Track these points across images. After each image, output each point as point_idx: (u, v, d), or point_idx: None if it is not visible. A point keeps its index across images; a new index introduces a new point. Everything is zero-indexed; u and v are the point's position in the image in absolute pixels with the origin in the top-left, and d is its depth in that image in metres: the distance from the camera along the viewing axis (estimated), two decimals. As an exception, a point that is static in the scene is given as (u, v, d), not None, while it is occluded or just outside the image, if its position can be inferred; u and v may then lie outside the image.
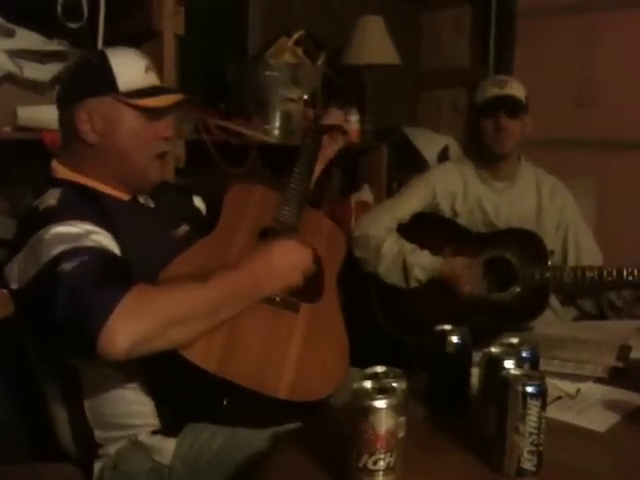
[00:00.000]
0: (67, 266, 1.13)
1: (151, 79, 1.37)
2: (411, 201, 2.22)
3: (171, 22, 2.02)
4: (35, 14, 1.78)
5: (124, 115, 1.32)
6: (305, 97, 1.88)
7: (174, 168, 2.07)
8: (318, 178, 1.77)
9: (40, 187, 1.29)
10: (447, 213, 2.22)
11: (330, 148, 1.77)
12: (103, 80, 1.30)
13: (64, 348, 1.25)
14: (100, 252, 1.18)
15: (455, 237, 2.18)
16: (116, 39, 1.67)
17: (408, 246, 2.14)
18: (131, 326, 1.11)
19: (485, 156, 2.19)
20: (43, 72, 1.79)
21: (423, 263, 2.11)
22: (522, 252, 2.08)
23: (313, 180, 1.71)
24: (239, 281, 1.27)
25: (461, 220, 2.20)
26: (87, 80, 1.33)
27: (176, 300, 1.18)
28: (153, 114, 1.35)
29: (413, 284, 2.13)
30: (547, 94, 2.17)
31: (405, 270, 2.12)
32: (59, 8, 1.76)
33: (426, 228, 2.22)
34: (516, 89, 2.13)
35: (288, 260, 1.35)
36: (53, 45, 1.84)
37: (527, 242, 2.11)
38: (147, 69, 1.36)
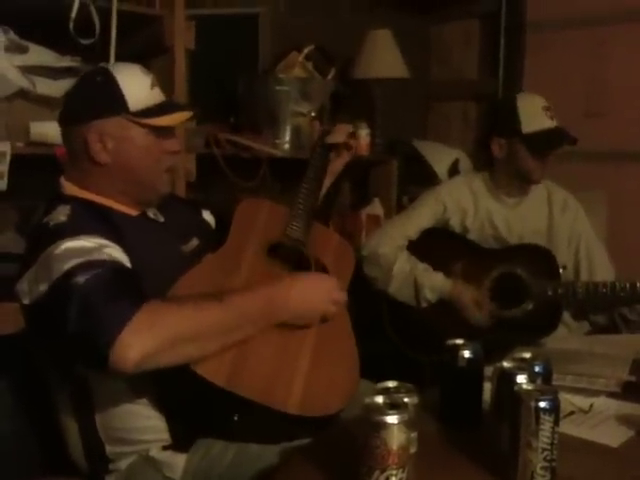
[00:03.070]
0: (80, 279, 1.14)
1: (157, 95, 1.37)
2: (421, 217, 2.20)
3: (182, 37, 2.05)
4: (48, 30, 1.80)
5: (135, 134, 1.33)
6: (313, 114, 1.89)
7: (185, 182, 2.08)
8: (326, 193, 1.77)
9: (48, 204, 1.30)
10: (457, 229, 2.20)
11: (336, 163, 1.78)
12: (113, 101, 1.31)
13: (75, 361, 1.25)
14: (113, 265, 1.19)
15: (465, 253, 2.15)
16: (128, 54, 1.69)
17: (420, 266, 2.12)
18: (142, 340, 1.11)
19: (514, 181, 2.15)
20: (56, 88, 1.81)
21: (434, 285, 2.09)
22: (534, 268, 2.06)
23: (321, 195, 1.71)
24: (253, 305, 1.26)
25: (471, 236, 2.18)
26: (96, 101, 1.32)
27: (188, 317, 1.18)
28: (163, 132, 1.36)
29: (423, 304, 2.11)
30: (557, 106, 2.15)
31: (416, 290, 2.11)
32: (71, 24, 1.78)
33: (436, 244, 2.20)
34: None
35: (308, 296, 1.33)
36: (65, 61, 1.87)
37: (538, 257, 2.08)
38: (152, 85, 1.36)
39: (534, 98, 2.12)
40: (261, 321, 1.27)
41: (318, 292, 1.35)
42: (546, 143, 2.06)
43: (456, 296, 2.08)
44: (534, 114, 2.07)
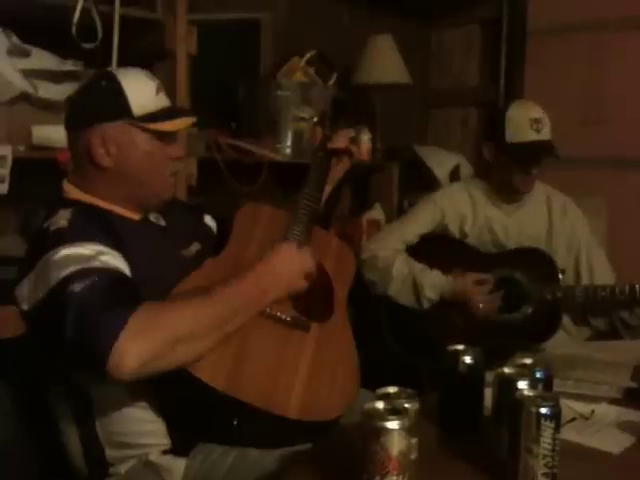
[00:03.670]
0: (76, 287, 1.14)
1: (162, 101, 1.37)
2: (419, 223, 2.21)
3: (184, 42, 2.05)
4: (50, 35, 1.80)
5: (138, 139, 1.33)
6: (315, 119, 1.90)
7: (186, 186, 2.08)
8: (328, 198, 1.77)
9: (50, 208, 1.30)
10: (456, 234, 2.20)
11: (338, 169, 1.78)
12: (117, 105, 1.31)
13: (73, 368, 1.25)
14: (109, 273, 1.19)
15: (464, 258, 2.15)
16: (130, 59, 1.69)
17: (418, 266, 2.12)
18: (139, 346, 1.11)
19: (504, 188, 2.15)
20: (58, 92, 1.81)
21: (434, 282, 2.09)
22: (533, 272, 2.07)
23: (322, 200, 1.72)
24: (242, 291, 1.27)
25: (470, 241, 2.18)
26: (100, 105, 1.32)
27: (183, 317, 1.18)
28: (167, 137, 1.36)
29: (425, 304, 2.10)
30: (558, 112, 2.15)
31: (416, 290, 2.11)
32: (73, 29, 1.78)
33: (435, 249, 2.20)
34: (549, 129, 2.07)
35: (289, 265, 1.36)
36: (68, 65, 1.87)
37: (537, 261, 2.09)
38: (157, 91, 1.36)
39: (526, 108, 2.10)
40: (254, 304, 1.29)
41: (297, 257, 1.38)
42: (525, 155, 2.05)
43: (459, 287, 2.07)
44: (519, 125, 2.06)
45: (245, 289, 1.28)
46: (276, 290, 1.33)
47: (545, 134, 2.06)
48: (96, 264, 1.18)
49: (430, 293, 2.09)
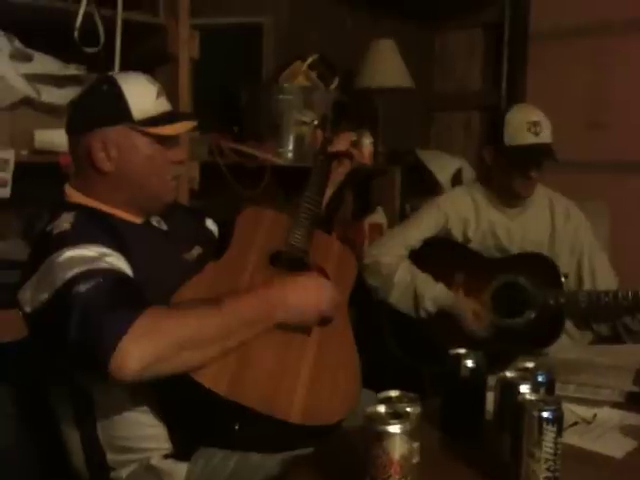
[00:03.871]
0: (82, 288, 1.14)
1: (162, 105, 1.38)
2: (422, 227, 2.20)
3: (186, 46, 2.06)
4: (52, 39, 1.81)
5: (139, 143, 1.33)
6: (316, 122, 1.91)
7: (188, 190, 2.09)
8: (329, 201, 1.77)
9: (53, 211, 1.30)
10: (459, 239, 2.20)
11: (339, 172, 1.78)
12: (117, 110, 1.31)
13: (76, 369, 1.25)
14: (114, 274, 1.19)
15: (468, 263, 2.15)
16: (132, 64, 1.70)
17: (421, 276, 2.12)
18: (143, 348, 1.11)
19: (505, 192, 2.15)
20: (60, 96, 1.82)
21: (434, 295, 2.08)
22: (536, 277, 2.06)
23: (324, 204, 1.72)
24: (251, 307, 1.26)
25: (473, 246, 2.18)
26: (101, 109, 1.33)
27: (188, 324, 1.18)
28: (167, 141, 1.37)
29: (423, 315, 2.10)
30: (560, 116, 2.16)
31: (416, 301, 2.10)
32: (76, 33, 1.79)
33: (438, 253, 2.19)
34: (549, 132, 2.06)
35: (305, 297, 1.32)
36: (70, 70, 1.88)
37: (541, 267, 2.08)
38: (158, 95, 1.37)
39: (525, 112, 2.10)
40: (260, 323, 1.27)
41: (314, 292, 1.34)
42: (523, 158, 2.05)
43: (455, 307, 2.07)
44: (517, 129, 2.05)
45: (254, 305, 1.26)
46: (285, 314, 1.30)
47: (544, 137, 2.05)
48: (102, 265, 1.18)
49: (429, 305, 2.09)
